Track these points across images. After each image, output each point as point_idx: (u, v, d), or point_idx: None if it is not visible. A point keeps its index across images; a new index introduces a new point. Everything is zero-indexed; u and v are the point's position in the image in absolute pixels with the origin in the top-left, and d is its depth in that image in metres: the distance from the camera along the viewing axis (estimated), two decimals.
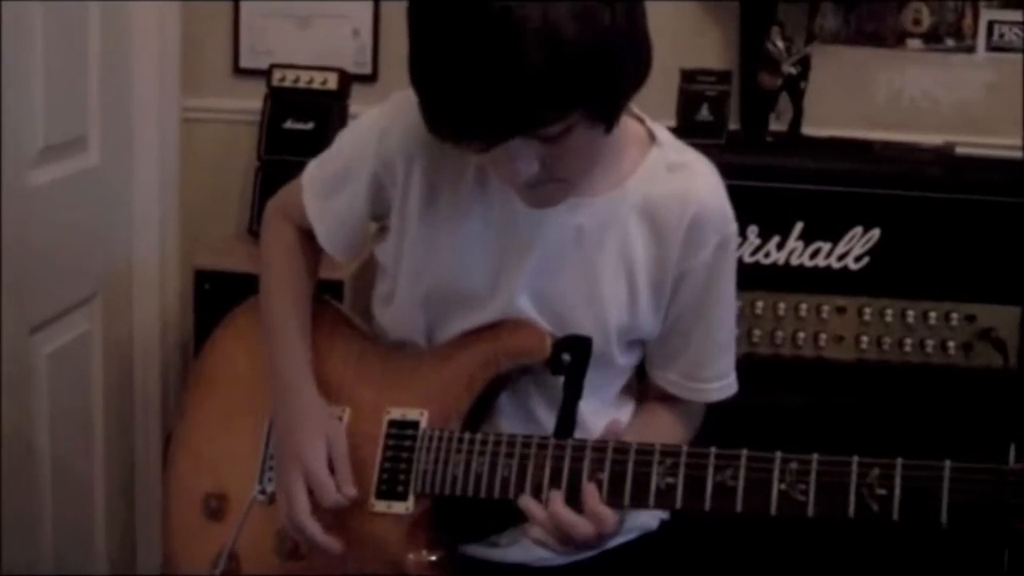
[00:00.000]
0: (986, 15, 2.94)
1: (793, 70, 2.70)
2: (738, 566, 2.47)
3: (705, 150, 2.49)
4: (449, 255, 1.70)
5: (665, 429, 1.76)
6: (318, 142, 2.41)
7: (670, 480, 1.54)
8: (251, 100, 2.98)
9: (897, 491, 1.43)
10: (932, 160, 2.63)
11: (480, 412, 1.74)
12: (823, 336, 2.54)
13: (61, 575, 2.62)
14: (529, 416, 1.75)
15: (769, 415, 2.48)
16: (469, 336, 1.74)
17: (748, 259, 2.51)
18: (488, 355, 1.71)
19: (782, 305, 2.53)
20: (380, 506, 1.71)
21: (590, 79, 1.40)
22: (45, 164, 2.46)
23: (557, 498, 1.57)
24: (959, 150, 2.69)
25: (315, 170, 1.84)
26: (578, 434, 1.66)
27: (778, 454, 1.50)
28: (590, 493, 1.56)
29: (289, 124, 2.87)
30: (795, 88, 2.70)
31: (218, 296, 2.65)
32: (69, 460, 2.66)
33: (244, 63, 3.07)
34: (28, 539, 2.50)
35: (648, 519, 1.87)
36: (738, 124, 2.80)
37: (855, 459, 1.46)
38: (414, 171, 1.69)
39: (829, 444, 2.41)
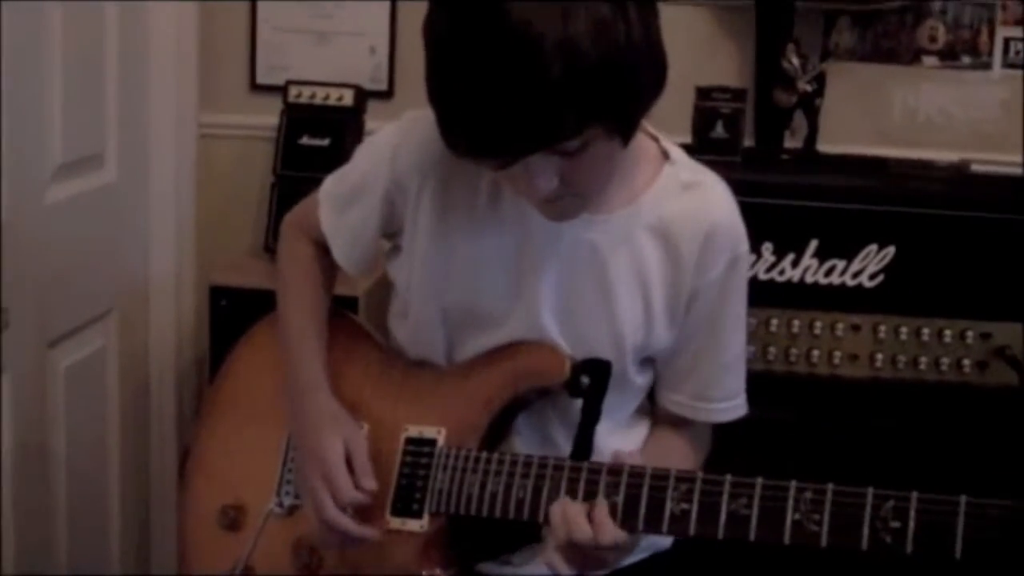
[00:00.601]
0: (1002, 32, 2.93)
1: (808, 87, 2.70)
2: None
3: (720, 167, 2.49)
4: (465, 274, 1.71)
5: (676, 455, 1.76)
6: (334, 158, 2.43)
7: (684, 506, 1.53)
8: (268, 116, 2.99)
9: (911, 524, 1.42)
10: (947, 178, 2.63)
11: (498, 432, 1.74)
12: (837, 354, 2.54)
13: None
14: (546, 438, 1.76)
15: (784, 433, 2.48)
16: (489, 356, 1.74)
17: (763, 276, 2.50)
18: (507, 376, 1.72)
19: (796, 322, 2.52)
20: (395, 523, 1.71)
21: (608, 93, 1.40)
22: (62, 181, 2.47)
23: (575, 503, 1.58)
24: (974, 167, 2.68)
25: (331, 185, 1.85)
26: (592, 456, 1.66)
27: (793, 483, 1.49)
28: (599, 504, 1.56)
29: (305, 140, 2.88)
30: (810, 105, 2.69)
31: (234, 312, 2.69)
32: (85, 473, 2.67)
33: (261, 79, 3.08)
34: (44, 551, 2.51)
35: (660, 539, 1.86)
36: (753, 141, 2.79)
37: (870, 491, 1.45)
38: (426, 190, 1.70)
39: (844, 463, 2.45)
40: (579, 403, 1.69)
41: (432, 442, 1.73)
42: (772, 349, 2.53)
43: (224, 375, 2.02)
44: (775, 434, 2.46)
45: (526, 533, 1.67)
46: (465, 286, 1.71)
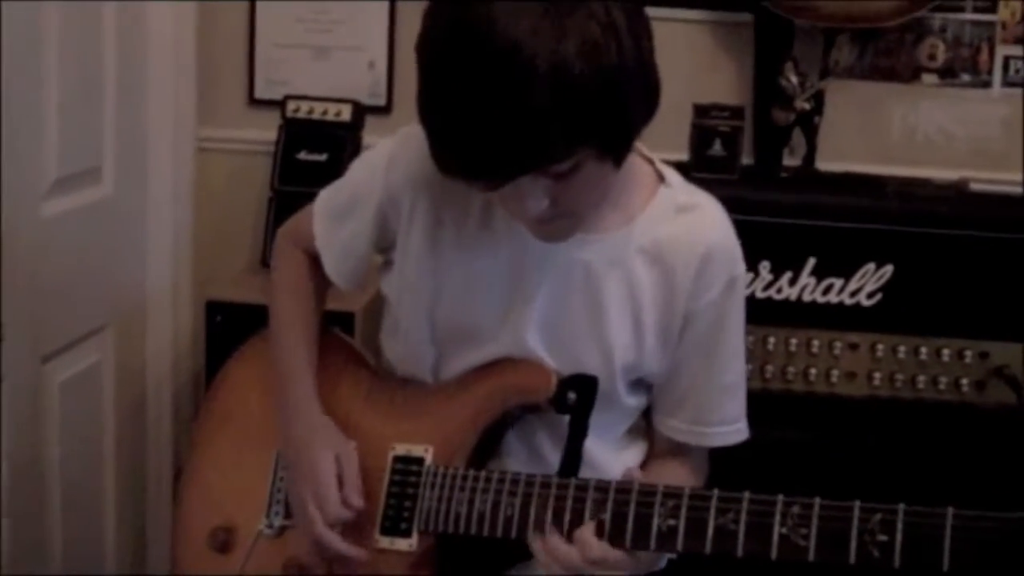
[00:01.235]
0: (1002, 50, 2.92)
1: (806, 105, 2.69)
2: None
3: (717, 185, 2.50)
4: (455, 291, 1.70)
5: (673, 479, 1.75)
6: (331, 173, 2.40)
7: (671, 522, 1.53)
8: (266, 131, 2.98)
9: (899, 538, 1.42)
10: (946, 197, 2.62)
11: (486, 449, 1.74)
12: (835, 372, 2.52)
13: None
14: (535, 454, 1.75)
15: (780, 452, 2.45)
16: (476, 373, 1.73)
17: (760, 295, 2.49)
18: (494, 393, 1.71)
19: (794, 341, 2.51)
20: (384, 542, 1.71)
21: (599, 115, 1.40)
22: (59, 195, 2.47)
23: (553, 532, 1.58)
24: (973, 186, 2.67)
25: (325, 198, 1.85)
26: (586, 473, 1.65)
27: (780, 498, 1.49)
28: (584, 527, 1.56)
29: (303, 155, 2.87)
30: (808, 123, 2.68)
31: (230, 328, 2.65)
32: (80, 489, 2.66)
33: (259, 94, 3.08)
34: (39, 566, 2.50)
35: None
36: (751, 159, 2.78)
37: (857, 504, 1.45)
38: (419, 205, 1.69)
39: (841, 482, 2.41)
40: (567, 419, 1.68)
41: (420, 460, 1.72)
42: (769, 367, 2.52)
43: (215, 393, 2.02)
44: (773, 453, 2.42)
45: (518, 550, 1.66)
46: (455, 303, 1.71)
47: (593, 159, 1.45)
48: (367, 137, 2.92)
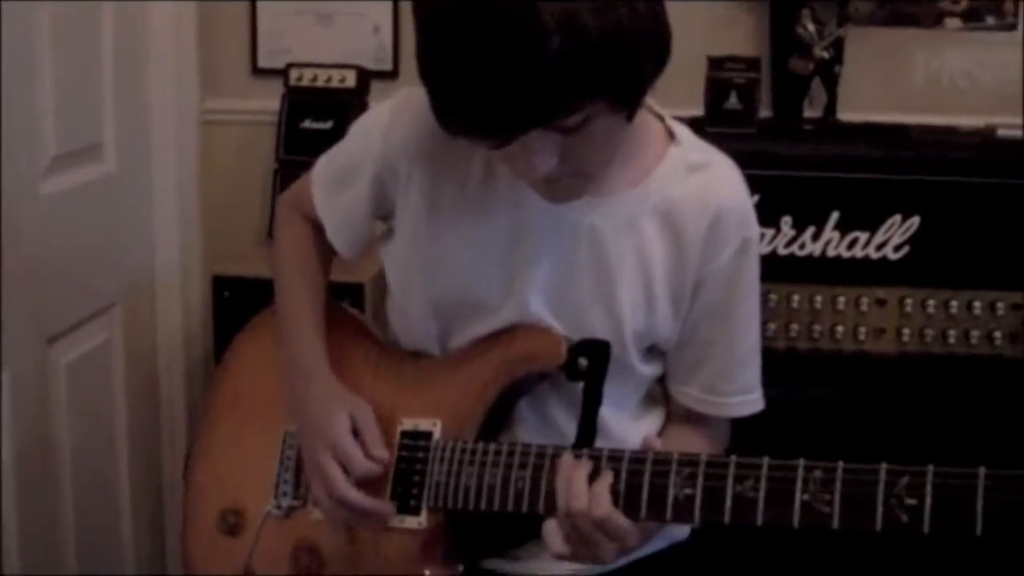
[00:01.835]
0: None
1: (825, 54, 2.61)
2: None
3: (734, 139, 2.45)
4: (458, 261, 1.65)
5: (689, 448, 1.68)
6: (337, 142, 2.36)
7: (688, 491, 1.46)
8: (270, 100, 2.94)
9: (928, 501, 1.34)
10: (972, 144, 2.53)
11: (497, 421, 1.69)
12: (863, 329, 2.45)
13: None
14: (549, 424, 1.69)
15: (809, 411, 2.42)
16: (483, 343, 1.68)
17: (782, 251, 2.42)
18: (501, 362, 1.66)
19: (819, 298, 2.44)
20: (393, 520, 1.66)
21: (610, 67, 1.34)
22: (58, 173, 2.41)
23: (579, 467, 1.51)
24: (1001, 132, 2.57)
25: (324, 165, 1.80)
26: (602, 442, 1.60)
27: (801, 462, 1.42)
28: (601, 477, 1.49)
29: (307, 124, 2.82)
30: (828, 73, 2.60)
31: (238, 303, 2.65)
32: (93, 472, 2.62)
33: (262, 63, 3.03)
34: (52, 553, 2.46)
35: (677, 528, 1.78)
36: (770, 112, 2.70)
37: (883, 467, 1.38)
38: (415, 172, 1.64)
39: (871, 443, 2.39)
40: (580, 387, 1.62)
41: (428, 435, 1.67)
42: (795, 326, 2.45)
43: (223, 372, 1.98)
44: (800, 414, 2.39)
45: (531, 526, 1.59)
46: (458, 273, 1.66)
47: (604, 113, 1.39)
48: (373, 103, 2.86)
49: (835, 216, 2.42)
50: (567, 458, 1.52)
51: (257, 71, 3.03)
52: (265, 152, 2.95)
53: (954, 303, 2.42)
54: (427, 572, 1.64)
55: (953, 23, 2.84)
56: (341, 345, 1.81)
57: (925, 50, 2.87)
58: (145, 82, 2.81)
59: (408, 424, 1.69)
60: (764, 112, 2.64)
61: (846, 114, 2.73)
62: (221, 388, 1.95)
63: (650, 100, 1.63)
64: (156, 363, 2.96)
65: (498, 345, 1.66)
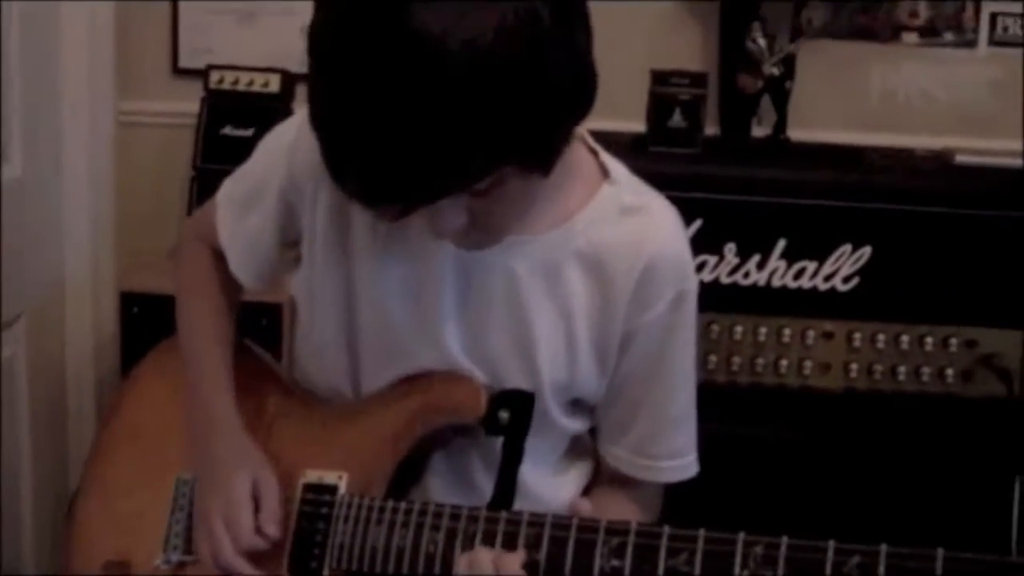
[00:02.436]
0: (988, 7, 2.75)
1: (775, 70, 2.49)
2: None
3: (678, 160, 2.33)
4: (368, 292, 1.51)
5: (617, 514, 1.55)
6: None
7: (615, 563, 1.34)
8: (192, 102, 2.80)
9: None
10: (929, 170, 2.43)
11: (409, 475, 1.56)
12: (808, 363, 2.34)
13: None
14: (466, 481, 1.56)
15: (751, 449, 2.33)
16: (397, 388, 1.55)
17: (725, 279, 2.31)
18: (416, 411, 1.52)
19: (763, 330, 2.33)
20: None
21: (521, 127, 1.20)
22: None
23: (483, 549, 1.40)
24: (959, 158, 2.47)
25: (229, 187, 1.66)
26: (520, 503, 1.48)
27: (741, 536, 1.31)
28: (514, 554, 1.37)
29: (228, 130, 2.68)
30: (778, 90, 2.48)
31: (148, 320, 2.52)
32: None
33: (183, 63, 2.88)
34: None
35: None
36: (718, 129, 2.57)
37: (831, 545, 1.26)
38: (323, 193, 1.50)
39: (816, 481, 2.26)
40: (500, 441, 1.50)
41: (333, 488, 1.53)
42: (737, 359, 2.33)
43: (118, 403, 1.83)
44: (741, 450, 2.30)
45: None
46: (367, 305, 1.52)
47: (515, 174, 1.26)
48: (299, 109, 2.69)
49: (782, 244, 2.31)
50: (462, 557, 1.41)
51: (178, 71, 2.89)
52: (186, 158, 2.80)
53: (905, 338, 2.32)
54: None
55: (911, 38, 2.75)
56: (244, 387, 1.67)
57: (881, 66, 2.77)
58: (56, 81, 2.67)
59: (312, 476, 1.55)
60: (710, 130, 2.51)
61: (797, 132, 2.62)
62: (118, 417, 1.80)
63: (583, 131, 1.50)
64: (64, 377, 2.82)
65: (413, 393, 1.53)
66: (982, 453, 2.29)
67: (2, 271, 2.44)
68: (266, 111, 2.66)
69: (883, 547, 1.24)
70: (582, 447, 1.64)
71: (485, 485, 1.52)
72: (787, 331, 2.32)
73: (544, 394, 1.50)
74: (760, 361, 2.33)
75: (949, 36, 2.75)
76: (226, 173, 1.71)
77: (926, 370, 2.32)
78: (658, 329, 1.49)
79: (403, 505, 1.47)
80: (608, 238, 1.46)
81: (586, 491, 1.64)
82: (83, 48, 2.70)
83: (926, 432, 2.32)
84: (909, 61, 2.77)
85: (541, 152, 1.27)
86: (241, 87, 2.71)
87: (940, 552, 1.22)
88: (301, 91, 2.75)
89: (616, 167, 1.53)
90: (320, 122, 1.24)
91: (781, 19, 2.61)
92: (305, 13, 2.76)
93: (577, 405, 1.56)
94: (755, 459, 2.30)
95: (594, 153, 1.53)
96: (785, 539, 1.29)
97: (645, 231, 1.47)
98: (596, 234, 1.46)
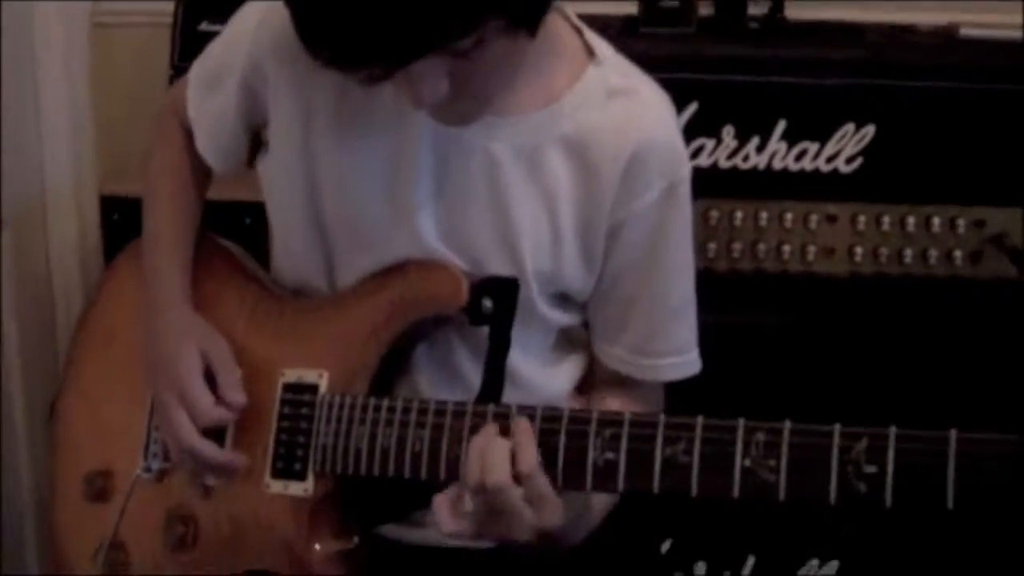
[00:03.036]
0: None
1: None
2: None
3: (672, 40, 2.22)
4: (337, 176, 1.45)
5: None
6: None
7: (610, 456, 1.29)
8: (167, 1, 2.65)
9: (890, 468, 1.17)
10: (933, 45, 2.29)
11: (392, 370, 1.52)
12: (812, 248, 2.23)
13: None
14: (453, 372, 1.51)
15: (753, 338, 2.23)
16: (374, 280, 1.50)
17: (724, 164, 2.20)
18: (395, 303, 1.47)
19: (764, 214, 2.22)
20: (276, 487, 1.49)
21: None
22: None
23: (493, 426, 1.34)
24: (964, 32, 2.34)
25: (198, 64, 1.61)
26: (512, 393, 1.43)
27: (741, 422, 1.24)
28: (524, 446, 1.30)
29: (204, 26, 2.53)
30: None
31: (129, 225, 2.35)
32: None
33: None
34: None
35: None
36: (712, 9, 2.46)
37: (837, 428, 1.20)
38: (288, 73, 1.44)
39: (822, 370, 2.19)
40: (486, 331, 1.44)
41: (313, 388, 1.48)
42: (737, 245, 2.24)
43: (95, 301, 1.78)
44: (744, 340, 2.20)
45: (434, 488, 1.40)
46: (337, 191, 1.46)
47: (501, 32, 1.18)
48: None
49: (782, 125, 2.19)
50: (486, 430, 1.33)
51: None
52: (166, 57, 2.68)
53: (911, 219, 2.21)
54: (316, 547, 1.46)
55: None
56: (214, 285, 1.62)
57: None
58: None
59: (291, 376, 1.50)
60: (705, 10, 2.40)
61: (795, 11, 2.48)
62: (92, 319, 1.76)
63: (566, 8, 1.42)
64: (51, 285, 2.72)
65: (390, 284, 1.47)
66: (993, 336, 2.19)
67: None
68: (242, 3, 2.56)
69: (892, 429, 1.18)
70: (575, 337, 1.58)
71: (473, 376, 1.47)
72: (789, 215, 2.22)
73: (528, 283, 1.43)
74: (762, 247, 2.23)
75: None
76: None
77: (933, 252, 2.22)
78: (649, 220, 1.42)
79: (386, 402, 1.42)
80: (593, 122, 1.39)
81: (581, 390, 1.58)
82: None
83: (935, 316, 2.22)
84: None
85: (526, 5, 1.20)
86: None
87: (953, 433, 1.15)
88: None
89: (602, 46, 1.44)
90: None
91: None
92: None
93: (566, 300, 1.49)
94: (759, 348, 2.21)
95: (578, 32, 1.45)
96: (788, 424, 1.23)
97: (633, 116, 1.40)
98: (581, 117, 1.39)
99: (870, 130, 2.19)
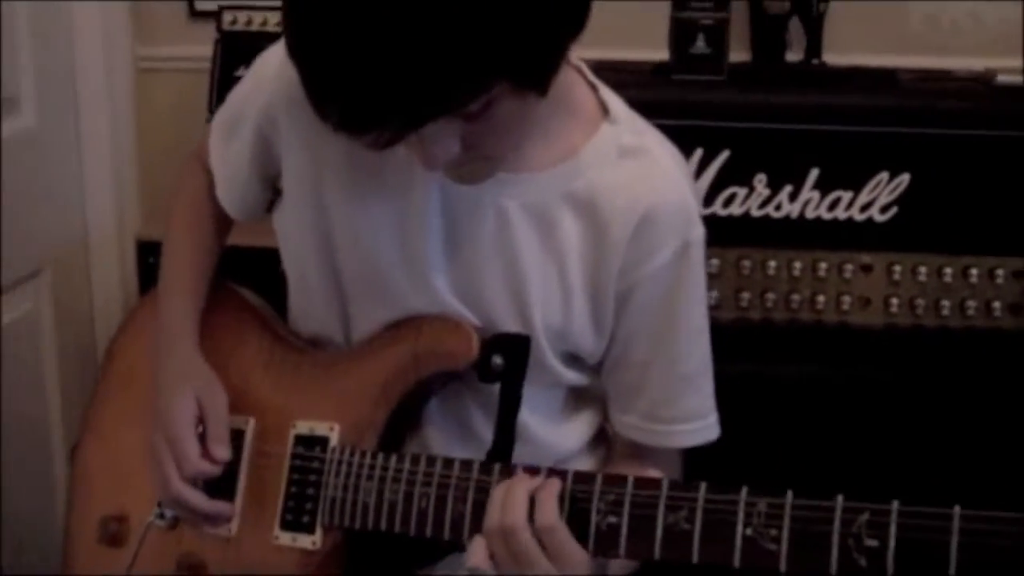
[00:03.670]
0: None
1: None
2: None
3: (703, 88, 2.21)
4: (352, 229, 1.44)
5: None
6: None
7: (612, 519, 1.27)
8: (208, 46, 2.68)
9: (892, 543, 1.15)
10: (969, 91, 2.27)
11: (403, 425, 1.50)
12: (847, 299, 2.22)
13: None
14: (465, 428, 1.50)
15: (787, 389, 2.22)
16: (388, 333, 1.48)
17: (756, 212, 2.19)
18: (406, 357, 1.46)
19: (798, 264, 2.21)
20: (285, 538, 1.49)
21: (511, 36, 1.13)
22: None
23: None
24: (1000, 78, 2.31)
25: (220, 110, 1.61)
26: (523, 451, 1.42)
27: (744, 491, 1.23)
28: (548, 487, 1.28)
29: (242, 72, 2.56)
30: (807, 11, 2.34)
31: None
32: (21, 457, 2.42)
33: (200, 5, 2.79)
34: None
35: None
36: (749, 55, 2.45)
37: (839, 501, 1.18)
38: (298, 127, 1.43)
39: (855, 424, 2.16)
40: (497, 387, 1.42)
41: (324, 441, 1.48)
42: (771, 295, 2.22)
43: (117, 342, 1.79)
44: (777, 391, 2.20)
45: (443, 545, 1.39)
46: (352, 249, 1.46)
47: (510, 92, 1.17)
48: None
49: (815, 173, 2.18)
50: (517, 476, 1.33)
51: (195, 14, 2.79)
52: (205, 102, 2.72)
53: (948, 270, 2.18)
54: None
55: None
56: (231, 334, 1.61)
57: None
58: (70, 29, 2.58)
59: (303, 427, 1.50)
60: (743, 56, 2.39)
61: (833, 57, 2.46)
62: (114, 362, 1.76)
63: (582, 64, 1.42)
64: (94, 328, 2.75)
65: (403, 338, 1.46)
66: None
67: (17, 226, 2.38)
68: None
69: (895, 504, 1.16)
70: (589, 395, 1.56)
71: (485, 433, 1.45)
72: (823, 265, 2.20)
73: (539, 340, 1.42)
74: (796, 297, 2.21)
75: None
76: None
77: (971, 303, 2.19)
78: (661, 283, 1.40)
79: (394, 458, 1.41)
80: (605, 181, 1.38)
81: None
82: None
83: (973, 367, 2.20)
84: None
85: (534, 67, 1.19)
86: (254, 27, 2.59)
87: (957, 510, 1.13)
88: None
89: (616, 104, 1.43)
90: (297, 48, 1.17)
91: None
92: None
93: (577, 359, 1.48)
94: (792, 399, 2.20)
95: (594, 89, 1.44)
96: (790, 495, 1.21)
97: (644, 176, 1.38)
98: (593, 176, 1.38)
99: (905, 178, 2.17)
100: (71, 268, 2.64)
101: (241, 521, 1.50)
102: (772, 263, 2.21)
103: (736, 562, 1.21)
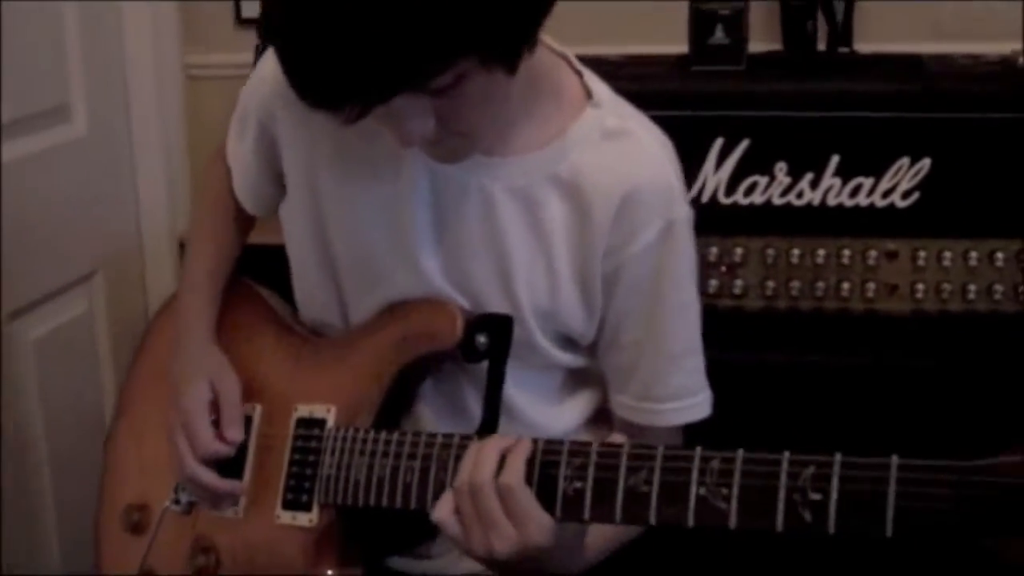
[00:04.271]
0: None
1: None
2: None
3: (723, 78, 2.22)
4: (344, 217, 1.50)
5: None
6: None
7: (578, 485, 1.29)
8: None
9: (834, 496, 1.16)
10: (991, 75, 2.25)
11: (397, 405, 1.53)
12: (871, 286, 2.21)
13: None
14: (458, 407, 1.54)
15: (815, 378, 2.21)
16: (381, 317, 1.53)
17: (778, 200, 2.19)
18: (395, 340, 1.50)
19: (821, 252, 2.20)
20: (285, 517, 1.53)
21: (479, 15, 1.16)
22: (17, 137, 2.29)
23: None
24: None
25: (237, 108, 1.65)
26: (513, 427, 1.44)
27: (698, 450, 1.24)
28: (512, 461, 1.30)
29: None
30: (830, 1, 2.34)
31: None
32: (74, 461, 2.48)
33: (247, 11, 2.84)
34: (31, 551, 2.39)
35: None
36: (779, 44, 2.45)
37: (786, 456, 1.19)
38: (292, 116, 1.48)
39: (885, 412, 2.14)
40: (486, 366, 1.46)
41: (322, 422, 1.52)
42: (795, 284, 2.22)
43: (147, 339, 1.85)
44: (805, 380, 2.20)
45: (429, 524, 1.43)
46: (345, 231, 1.51)
47: (477, 68, 1.21)
48: None
49: (835, 160, 2.18)
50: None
51: (242, 21, 2.85)
52: None
53: (973, 254, 2.16)
54: (330, 572, 1.50)
55: None
56: (243, 325, 1.68)
57: None
58: (120, 37, 2.66)
59: (303, 411, 1.55)
60: (765, 46, 2.39)
61: (863, 45, 2.45)
62: (143, 358, 1.83)
63: (567, 51, 1.46)
64: None
65: (393, 321, 1.51)
66: None
67: (70, 230, 2.48)
68: None
69: (838, 456, 1.17)
70: (588, 376, 1.58)
71: (477, 411, 1.48)
72: (847, 252, 2.19)
73: (526, 320, 1.45)
74: (820, 285, 2.21)
75: None
76: None
77: (999, 288, 2.17)
78: (647, 263, 1.42)
79: (384, 435, 1.45)
80: (589, 163, 1.40)
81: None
82: (145, 4, 2.68)
83: (1001, 352, 2.17)
84: None
85: (502, 44, 1.22)
86: None
87: (894, 459, 1.14)
88: None
89: (600, 88, 1.46)
90: (270, 27, 1.23)
91: None
92: None
93: (571, 341, 1.50)
94: (820, 388, 2.19)
95: (579, 74, 1.47)
96: (741, 452, 1.22)
97: (626, 157, 1.41)
98: (577, 158, 1.41)
99: (926, 163, 2.16)
100: (125, 270, 2.72)
101: (248, 503, 1.56)
102: (796, 251, 2.21)
103: (690, 521, 1.22)
